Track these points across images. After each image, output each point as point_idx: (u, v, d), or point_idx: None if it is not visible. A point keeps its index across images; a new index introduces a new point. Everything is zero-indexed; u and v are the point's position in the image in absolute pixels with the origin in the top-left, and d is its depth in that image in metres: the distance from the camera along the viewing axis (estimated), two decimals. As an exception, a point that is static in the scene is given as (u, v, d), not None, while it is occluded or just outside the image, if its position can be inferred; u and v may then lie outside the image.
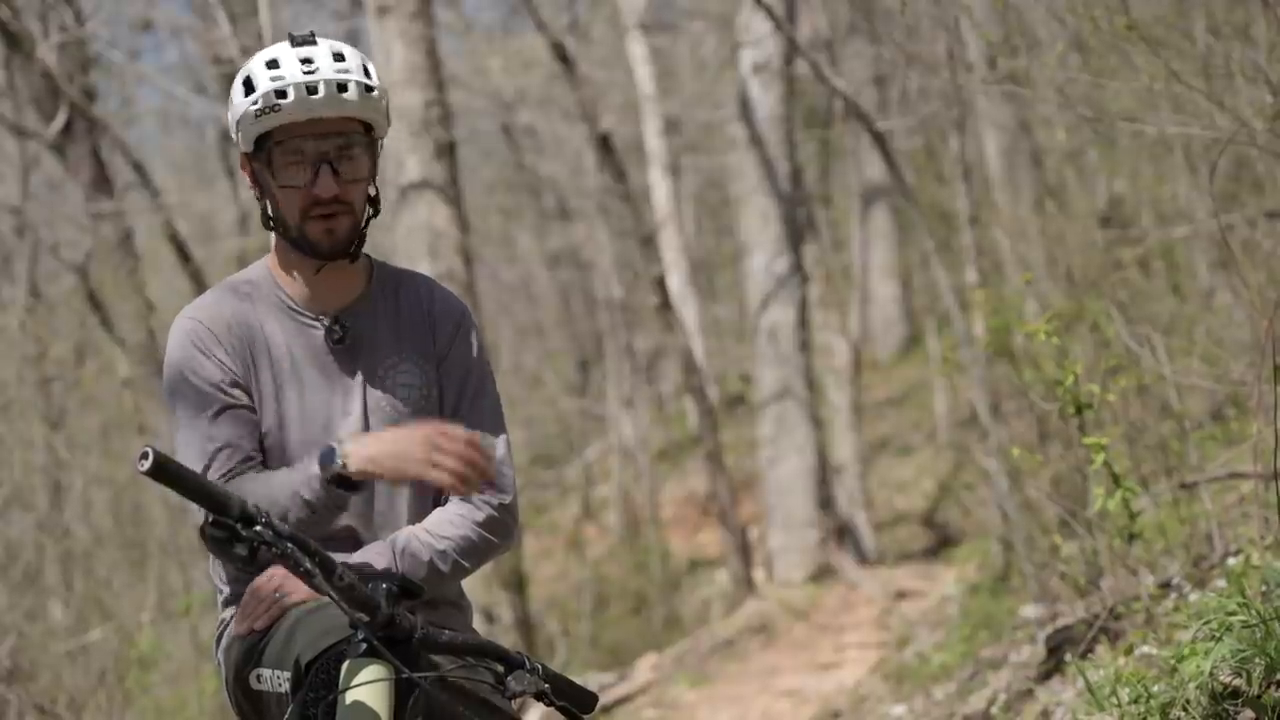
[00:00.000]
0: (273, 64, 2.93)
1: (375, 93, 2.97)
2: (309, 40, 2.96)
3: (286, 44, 2.96)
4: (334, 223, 2.98)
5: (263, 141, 2.97)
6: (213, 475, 2.92)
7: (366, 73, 2.97)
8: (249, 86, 2.93)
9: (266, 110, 2.91)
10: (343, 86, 2.92)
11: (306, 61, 2.92)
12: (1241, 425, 6.51)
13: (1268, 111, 5.70)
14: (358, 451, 2.80)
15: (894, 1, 8.64)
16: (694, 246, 23.62)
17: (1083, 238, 8.68)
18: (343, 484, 2.81)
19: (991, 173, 16.22)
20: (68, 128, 13.88)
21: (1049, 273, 9.10)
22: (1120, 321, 6.63)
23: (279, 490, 2.85)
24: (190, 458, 2.94)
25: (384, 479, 2.83)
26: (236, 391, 2.99)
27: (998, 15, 8.86)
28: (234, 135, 3.03)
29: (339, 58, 2.95)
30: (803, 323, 14.38)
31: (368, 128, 3.01)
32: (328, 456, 2.80)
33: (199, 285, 14.14)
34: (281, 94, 2.90)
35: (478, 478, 2.80)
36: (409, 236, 10.63)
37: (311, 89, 2.90)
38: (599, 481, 23.09)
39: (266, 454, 3.01)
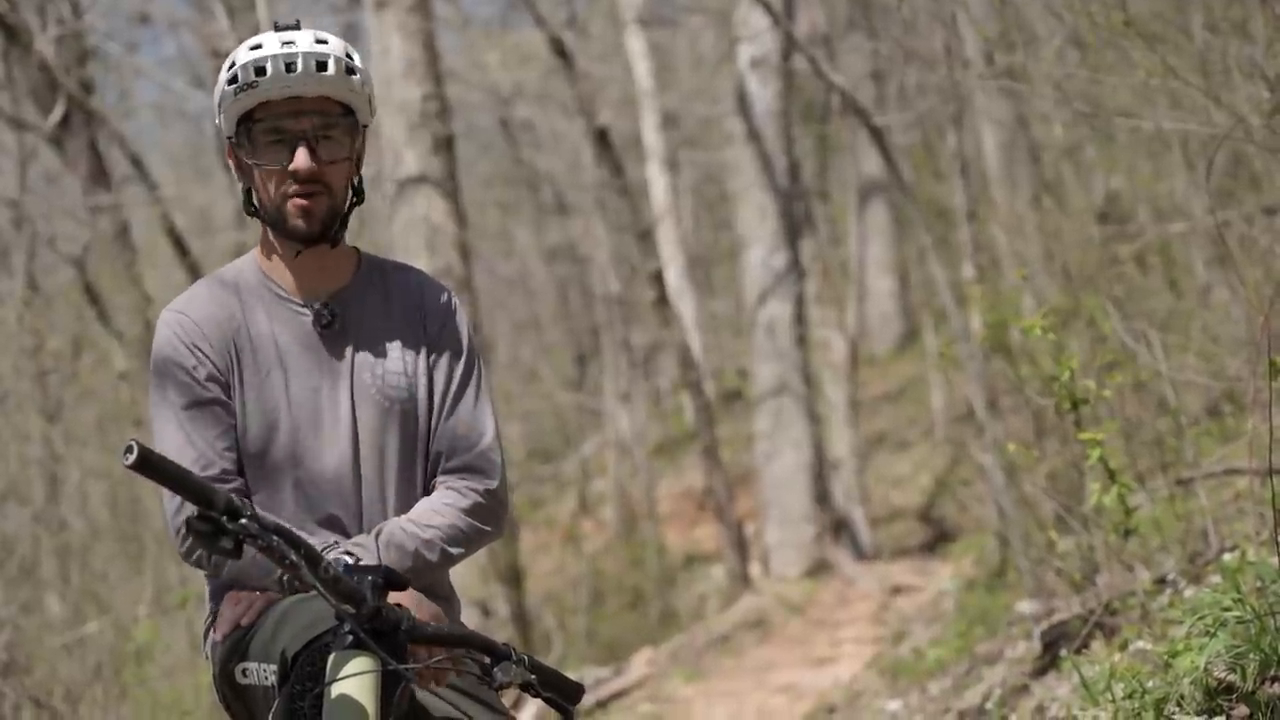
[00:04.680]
0: (256, 46, 2.94)
1: (357, 76, 2.97)
2: (293, 26, 2.97)
3: (271, 31, 2.97)
4: (311, 203, 2.97)
5: (243, 123, 2.97)
6: None
7: (349, 56, 2.97)
8: (231, 66, 2.94)
9: (245, 87, 2.91)
10: (322, 65, 2.91)
11: (288, 42, 2.92)
12: (1237, 421, 6.51)
13: (1265, 108, 5.69)
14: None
15: (892, -4, 8.64)
16: (691, 241, 23.61)
17: (1080, 233, 8.66)
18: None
19: (989, 168, 16.21)
20: (65, 121, 13.86)
21: (1046, 268, 9.09)
22: (1117, 317, 6.62)
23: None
24: (168, 453, 2.91)
25: None
26: (214, 387, 2.98)
27: (995, 11, 8.84)
28: (218, 120, 3.04)
29: (321, 41, 2.95)
30: (800, 318, 14.39)
31: (349, 111, 3.00)
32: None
33: (196, 279, 14.08)
34: (260, 70, 2.90)
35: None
36: (406, 230, 10.61)
37: (290, 65, 2.90)
38: (596, 476, 23.09)
39: (253, 447, 2.99)
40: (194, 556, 2.92)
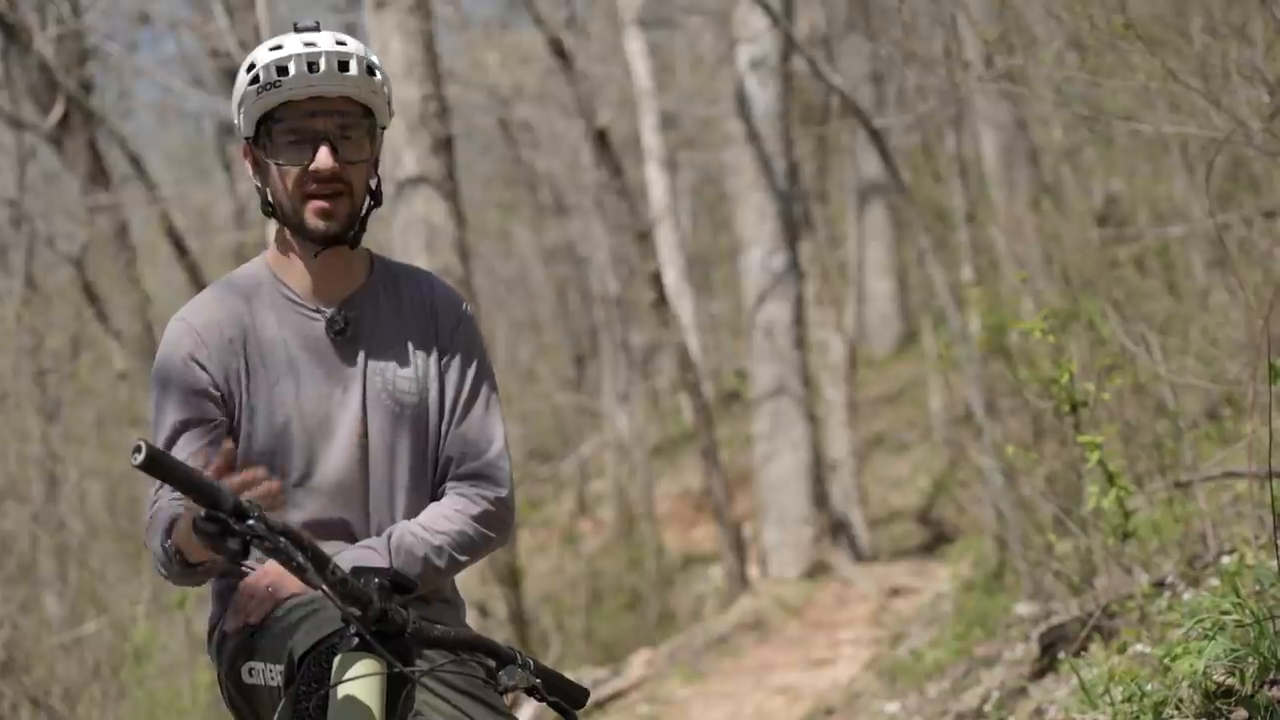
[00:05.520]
0: (276, 47, 2.93)
1: (378, 76, 2.97)
2: (312, 28, 2.97)
3: (292, 32, 2.97)
4: (332, 204, 2.96)
5: (264, 123, 2.97)
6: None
7: (369, 57, 2.97)
8: (252, 67, 2.94)
9: (268, 86, 2.91)
10: (344, 65, 2.92)
11: (310, 43, 2.92)
12: (1236, 424, 6.52)
13: (1264, 111, 5.69)
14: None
15: (892, -2, 8.64)
16: (690, 242, 23.63)
17: (1079, 236, 8.67)
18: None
19: (988, 170, 16.23)
20: (65, 120, 13.88)
21: (1045, 271, 9.11)
22: (1116, 320, 6.63)
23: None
24: None
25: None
26: (209, 405, 2.97)
27: (995, 13, 8.86)
28: (236, 120, 3.03)
29: (341, 42, 2.95)
30: (799, 319, 14.39)
31: (369, 113, 3.00)
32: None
33: (195, 278, 14.14)
34: (283, 69, 2.90)
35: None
36: (406, 231, 10.60)
37: (313, 65, 2.90)
38: (594, 477, 23.10)
39: (262, 452, 2.97)
40: (182, 572, 2.84)
